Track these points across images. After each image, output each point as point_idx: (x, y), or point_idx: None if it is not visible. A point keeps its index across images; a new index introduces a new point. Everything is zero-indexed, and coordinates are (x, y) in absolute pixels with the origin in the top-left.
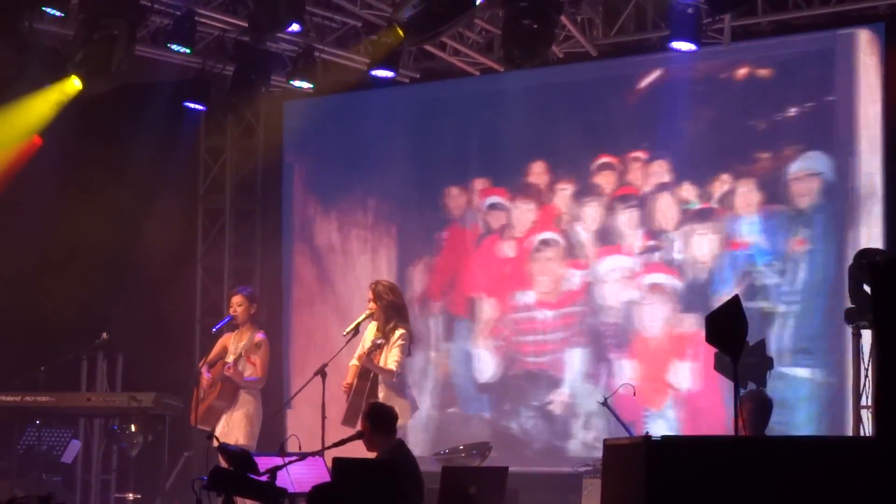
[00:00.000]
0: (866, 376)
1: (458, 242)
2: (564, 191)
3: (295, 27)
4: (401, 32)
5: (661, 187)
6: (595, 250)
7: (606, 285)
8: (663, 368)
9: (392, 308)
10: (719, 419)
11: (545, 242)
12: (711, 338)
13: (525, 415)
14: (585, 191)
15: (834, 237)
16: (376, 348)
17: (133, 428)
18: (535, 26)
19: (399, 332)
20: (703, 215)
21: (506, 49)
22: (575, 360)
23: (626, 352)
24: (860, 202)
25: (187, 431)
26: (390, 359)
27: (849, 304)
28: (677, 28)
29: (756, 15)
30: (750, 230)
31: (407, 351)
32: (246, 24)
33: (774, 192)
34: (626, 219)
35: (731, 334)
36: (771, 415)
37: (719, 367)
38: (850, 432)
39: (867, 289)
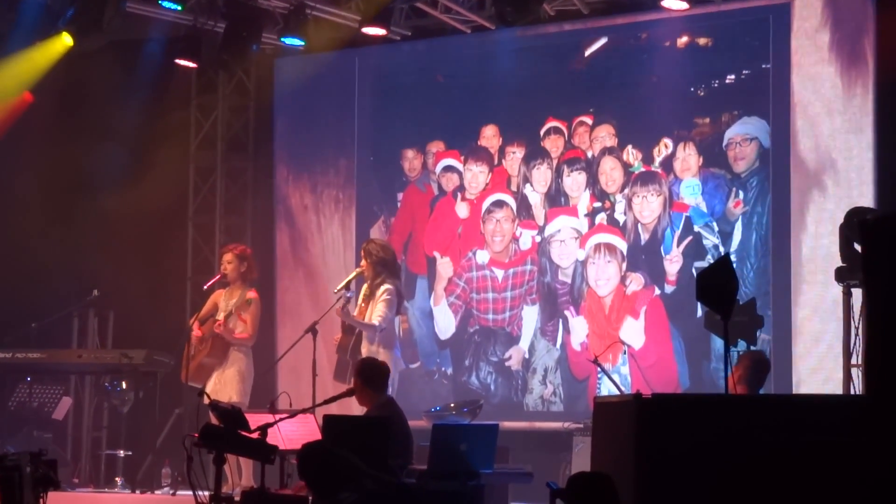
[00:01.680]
0: (856, 335)
1: (415, 203)
2: (515, 154)
3: None
4: None
5: (606, 151)
6: (545, 212)
7: (557, 244)
8: (615, 326)
9: (381, 264)
10: (672, 374)
11: (497, 203)
12: (702, 296)
13: (485, 370)
14: (535, 154)
15: (767, 199)
16: (347, 301)
17: (124, 385)
18: None
19: (385, 286)
20: (645, 178)
21: (497, 7)
22: (531, 317)
23: (579, 309)
24: (793, 165)
25: (178, 388)
26: (375, 314)
27: (779, 264)
28: None
29: None
30: (690, 192)
31: (394, 307)
32: None
33: (713, 155)
34: (573, 181)
35: (721, 293)
36: (767, 375)
37: (709, 325)
38: (840, 390)
39: (858, 247)
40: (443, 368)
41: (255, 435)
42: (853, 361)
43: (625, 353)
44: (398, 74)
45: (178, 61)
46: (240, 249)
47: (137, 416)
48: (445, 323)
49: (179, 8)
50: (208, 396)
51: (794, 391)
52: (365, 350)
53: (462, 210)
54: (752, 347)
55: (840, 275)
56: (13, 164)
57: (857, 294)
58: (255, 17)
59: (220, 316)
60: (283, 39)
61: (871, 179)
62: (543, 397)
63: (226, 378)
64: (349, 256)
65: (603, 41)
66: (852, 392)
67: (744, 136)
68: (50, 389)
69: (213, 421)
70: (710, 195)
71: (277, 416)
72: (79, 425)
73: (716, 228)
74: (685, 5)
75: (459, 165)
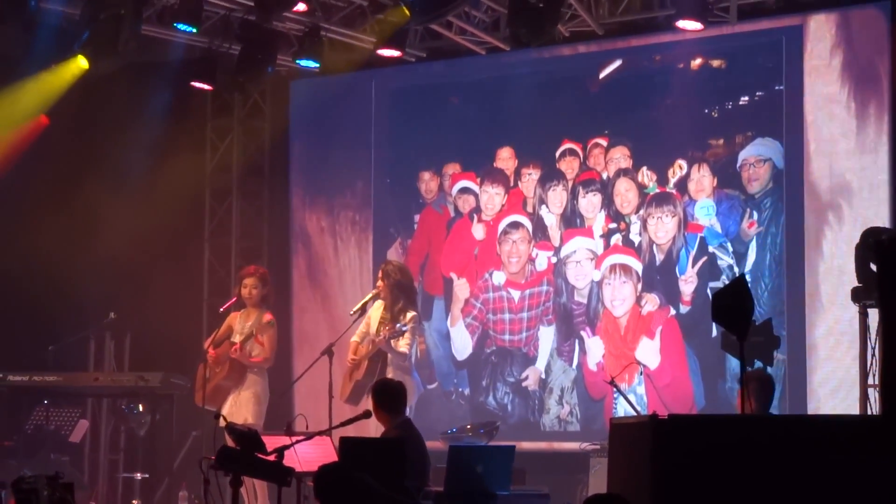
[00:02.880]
0: (873, 355)
1: (432, 225)
2: (530, 175)
3: (301, 6)
4: (407, 12)
5: (621, 172)
6: (560, 233)
7: (572, 265)
8: (631, 346)
9: (399, 288)
10: (687, 394)
11: (513, 225)
12: (718, 317)
13: (502, 390)
14: (550, 175)
15: (781, 220)
16: (399, 334)
17: (141, 407)
18: (542, 5)
19: (411, 314)
20: (660, 199)
21: (512, 28)
22: (547, 338)
23: (595, 329)
24: (807, 186)
25: (195, 411)
26: (402, 342)
27: (793, 284)
28: (683, 6)
29: None
30: (705, 213)
31: (416, 334)
32: (252, 4)
33: (727, 176)
34: (589, 202)
35: (737, 313)
36: (774, 393)
37: (725, 346)
38: (857, 410)
39: (874, 267)
40: (460, 389)
41: (271, 457)
42: (869, 381)
43: (640, 373)
44: (414, 96)
45: (193, 84)
46: (261, 272)
47: (154, 438)
48: (462, 344)
49: (194, 30)
50: (225, 419)
51: (810, 411)
52: (390, 376)
53: (478, 231)
54: (770, 368)
55: (856, 295)
56: (29, 187)
57: (874, 314)
58: (270, 40)
59: (236, 338)
60: (298, 61)
61: (887, 199)
62: (560, 417)
63: (241, 400)
64: (366, 278)
65: (617, 63)
66: (869, 412)
67: (757, 157)
68: (67, 412)
69: (230, 443)
70: (724, 216)
71: (294, 439)
72: (96, 448)
73: (730, 249)
74: (699, 26)
75: (475, 187)
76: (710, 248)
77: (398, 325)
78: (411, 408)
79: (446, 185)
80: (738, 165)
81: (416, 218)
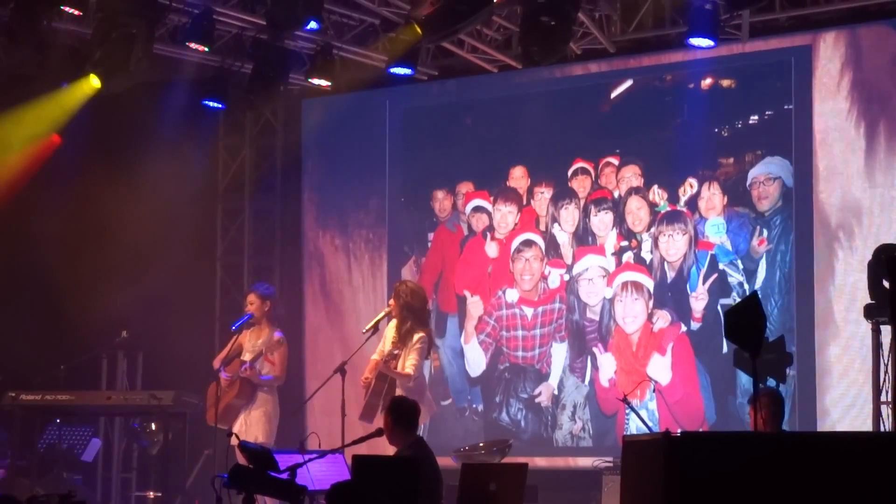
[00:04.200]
0: (885, 371)
1: (446, 243)
2: (543, 194)
3: (313, 25)
4: (419, 30)
5: (633, 191)
6: (573, 251)
7: (584, 283)
8: (643, 362)
9: (408, 310)
10: (698, 410)
11: (526, 243)
12: (730, 334)
13: (515, 407)
14: (563, 194)
15: (791, 237)
16: (392, 357)
17: (153, 426)
18: (553, 23)
19: (417, 335)
20: (671, 217)
21: (524, 46)
22: (559, 355)
23: (607, 346)
24: (816, 204)
25: (207, 429)
26: (408, 363)
27: (803, 302)
28: (695, 24)
29: (774, 10)
30: (715, 231)
31: (425, 354)
32: (264, 22)
33: (737, 194)
34: (601, 221)
35: (749, 330)
36: (785, 410)
37: (738, 363)
38: (870, 427)
39: (886, 284)
40: (474, 405)
41: (284, 476)
42: (882, 398)
43: (652, 389)
44: (427, 115)
45: (205, 102)
46: (262, 290)
47: (167, 457)
48: (476, 360)
49: (206, 49)
50: (237, 437)
51: (821, 428)
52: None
53: (492, 250)
54: (782, 385)
55: (869, 311)
56: (42, 206)
57: (886, 331)
58: (281, 58)
59: (246, 356)
60: (309, 80)
61: None
62: (573, 433)
63: (251, 419)
64: (380, 296)
65: (628, 83)
66: (882, 429)
67: (767, 175)
68: (79, 431)
69: (243, 462)
70: (734, 233)
71: (306, 457)
72: (108, 467)
73: (740, 266)
74: (712, 43)
75: (489, 206)
76: (721, 266)
77: (410, 343)
78: (424, 426)
79: (460, 204)
80: (747, 184)
81: (430, 236)
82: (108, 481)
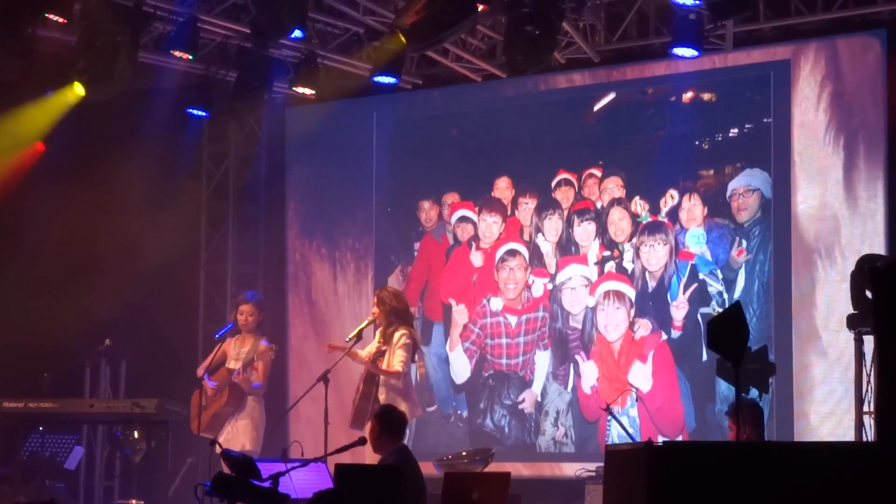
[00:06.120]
0: (868, 381)
1: (432, 253)
2: (527, 205)
3: (297, 33)
4: (403, 39)
5: (615, 202)
6: (556, 260)
7: (567, 292)
8: (624, 370)
9: (394, 313)
10: (678, 416)
11: (510, 252)
12: (713, 344)
13: (499, 413)
14: (546, 205)
15: (769, 248)
16: (380, 355)
17: (136, 434)
18: (538, 32)
19: (401, 332)
20: (652, 228)
21: (508, 55)
22: (543, 362)
23: (590, 354)
24: (794, 215)
25: (190, 437)
26: (395, 360)
27: (781, 311)
28: (680, 34)
29: (758, 21)
30: (696, 241)
31: (412, 351)
32: (248, 31)
33: (717, 206)
34: (583, 231)
35: (732, 340)
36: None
37: (721, 372)
38: (852, 437)
39: (869, 294)
40: (458, 412)
41: (266, 484)
42: (865, 408)
43: (634, 396)
44: (413, 126)
45: (189, 110)
46: (258, 299)
47: (150, 465)
48: (461, 368)
49: (191, 57)
50: (220, 445)
51: (800, 437)
52: (384, 398)
53: (476, 259)
54: (766, 395)
55: (851, 322)
56: (25, 214)
57: (869, 341)
58: (266, 66)
59: (232, 364)
60: (293, 88)
61: (883, 227)
62: (556, 439)
63: (239, 427)
64: (365, 304)
65: (611, 96)
66: (864, 439)
67: (746, 187)
68: (62, 439)
69: (225, 470)
70: (714, 244)
71: (289, 465)
72: (91, 475)
73: (720, 276)
74: (695, 53)
75: (474, 216)
76: (701, 276)
77: (394, 342)
78: (410, 428)
79: (445, 214)
80: (727, 195)
81: (417, 246)
82: (90, 489)
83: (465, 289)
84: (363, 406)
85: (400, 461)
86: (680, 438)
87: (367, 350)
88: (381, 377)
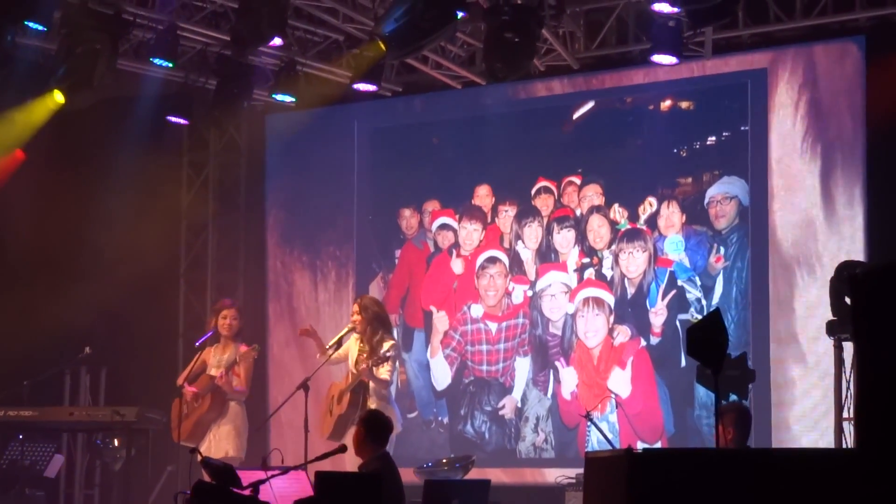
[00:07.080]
0: (848, 388)
1: (412, 260)
2: (507, 212)
3: (277, 41)
4: (383, 46)
5: (594, 209)
6: (536, 267)
7: (547, 299)
8: (604, 376)
9: (377, 320)
10: (658, 422)
11: (491, 260)
12: (692, 350)
13: (479, 419)
14: (526, 212)
15: (747, 255)
16: (384, 360)
17: (116, 442)
18: (517, 40)
19: (388, 343)
20: (631, 235)
21: (488, 62)
22: (523, 368)
23: (569, 360)
24: (770, 222)
25: (171, 445)
26: (382, 370)
27: (758, 317)
28: (658, 41)
29: (737, 28)
30: (674, 248)
31: (394, 364)
32: (228, 38)
33: (695, 213)
34: (563, 238)
35: (711, 347)
36: (751, 426)
37: (700, 379)
38: (832, 444)
39: (849, 301)
40: (439, 418)
41: (247, 492)
42: (845, 414)
43: (613, 402)
44: (394, 133)
45: (169, 118)
46: (237, 304)
47: (129, 473)
48: (442, 374)
49: (171, 65)
50: (200, 454)
51: (777, 443)
52: (372, 406)
53: (457, 266)
54: (745, 402)
55: (831, 328)
56: (5, 222)
57: (848, 347)
58: (246, 74)
59: (213, 372)
60: (273, 96)
61: (861, 233)
62: (536, 445)
63: (221, 434)
64: (346, 312)
65: (590, 105)
66: (844, 446)
67: (724, 194)
68: (42, 447)
69: (206, 478)
70: (692, 251)
71: (269, 473)
72: (71, 483)
73: (698, 283)
74: (674, 60)
75: (454, 223)
76: (679, 282)
77: (382, 351)
78: (393, 437)
79: (426, 222)
80: (705, 202)
81: (398, 253)
82: (70, 497)
83: (446, 296)
84: (348, 415)
85: (382, 467)
86: (659, 444)
87: (351, 358)
88: (371, 386)
